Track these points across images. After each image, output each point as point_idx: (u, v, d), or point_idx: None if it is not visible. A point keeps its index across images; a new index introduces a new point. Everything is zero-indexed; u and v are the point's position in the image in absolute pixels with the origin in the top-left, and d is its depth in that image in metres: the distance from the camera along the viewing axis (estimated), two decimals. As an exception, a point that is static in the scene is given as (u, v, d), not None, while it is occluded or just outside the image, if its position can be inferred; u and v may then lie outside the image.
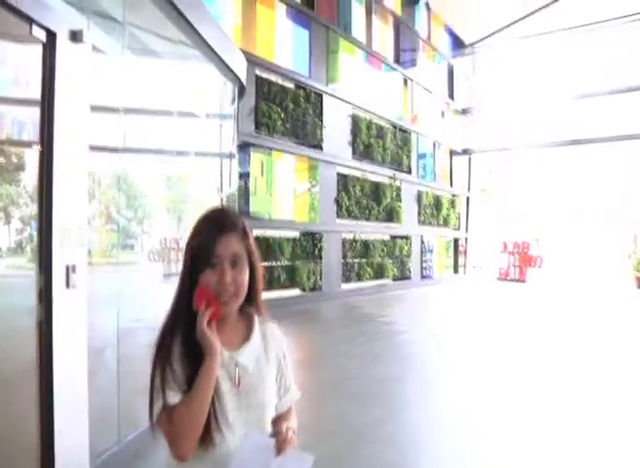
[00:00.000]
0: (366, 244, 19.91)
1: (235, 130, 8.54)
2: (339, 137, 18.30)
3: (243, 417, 1.52)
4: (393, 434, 5.09)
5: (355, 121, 19.40)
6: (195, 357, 1.49)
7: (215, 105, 7.54)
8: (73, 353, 3.60)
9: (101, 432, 4.07)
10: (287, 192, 16.48)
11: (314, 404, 6.19)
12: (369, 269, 19.89)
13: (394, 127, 22.21)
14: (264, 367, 1.61)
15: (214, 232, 1.53)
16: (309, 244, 16.81)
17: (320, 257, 17.08)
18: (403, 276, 22.26)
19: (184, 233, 5.84)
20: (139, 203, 5.27)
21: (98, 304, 4.11)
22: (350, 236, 19.09)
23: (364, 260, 19.70)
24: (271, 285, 14.99)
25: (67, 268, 3.52)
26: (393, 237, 21.91)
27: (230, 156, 8.14)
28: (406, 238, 22.60)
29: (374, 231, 20.48)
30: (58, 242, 3.44)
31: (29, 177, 3.41)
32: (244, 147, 13.91)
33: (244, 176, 14.17)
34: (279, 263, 15.51)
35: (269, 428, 1.60)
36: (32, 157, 3.39)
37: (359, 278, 19.38)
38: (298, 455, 1.49)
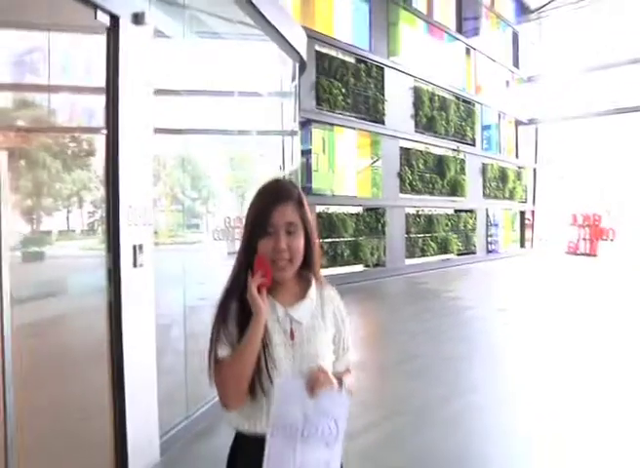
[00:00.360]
0: (430, 218, 19.65)
1: (296, 107, 8.48)
2: (401, 111, 17.98)
3: (297, 368, 1.59)
4: (460, 415, 5.02)
5: (417, 93, 19.01)
6: (248, 318, 1.58)
7: (276, 83, 7.52)
8: (142, 331, 3.72)
9: (170, 408, 4.19)
10: (349, 168, 16.32)
11: (379, 382, 6.19)
12: (433, 244, 19.65)
13: (457, 98, 21.68)
14: (319, 323, 1.67)
15: (269, 202, 1.61)
16: (372, 219, 16.68)
17: (383, 233, 16.93)
18: (468, 251, 21.87)
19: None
20: (203, 183, 5.36)
21: (165, 283, 4.18)
22: (414, 211, 18.87)
23: (428, 235, 19.52)
24: (335, 261, 15.02)
25: (135, 248, 3.60)
26: (457, 211, 21.55)
27: (292, 134, 8.13)
28: (471, 212, 22.17)
29: (437, 205, 20.14)
30: (125, 222, 3.53)
31: (99, 162, 3.54)
32: (305, 124, 13.85)
33: (306, 154, 14.07)
34: (342, 239, 15.45)
35: None
36: (101, 143, 3.51)
37: (423, 253, 19.19)
38: (332, 395, 1.54)
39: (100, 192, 3.57)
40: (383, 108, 17.17)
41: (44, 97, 3.18)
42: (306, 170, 14.19)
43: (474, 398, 5.47)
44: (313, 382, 1.52)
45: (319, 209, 14.77)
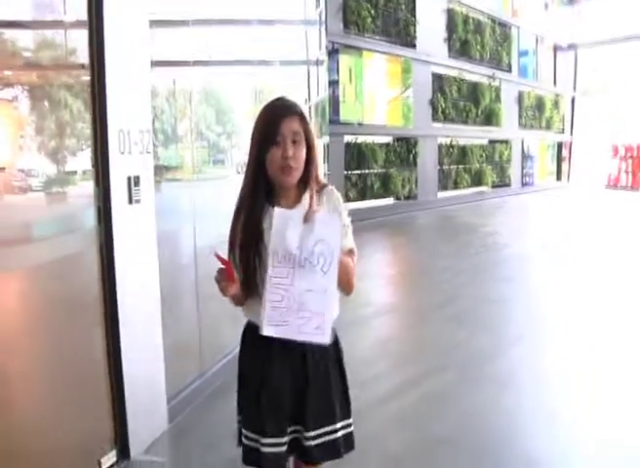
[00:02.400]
0: (463, 149, 18.78)
1: (322, 35, 8.03)
2: (433, 34, 16.85)
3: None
4: (509, 370, 4.42)
5: (451, 15, 17.81)
6: (253, 229, 1.80)
7: (299, 8, 6.99)
8: (141, 276, 3.13)
9: (180, 365, 3.64)
10: (378, 96, 15.44)
11: (415, 330, 5.60)
12: (466, 176, 18.88)
13: (493, 21, 20.26)
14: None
15: (278, 114, 1.78)
16: (403, 150, 15.99)
17: (415, 164, 16.25)
18: (502, 183, 20.99)
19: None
20: (227, 117, 5.31)
21: (186, 221, 3.87)
22: (447, 141, 18.02)
23: (461, 167, 18.72)
24: (364, 193, 14.54)
25: (129, 180, 3.01)
26: (492, 141, 20.55)
27: (318, 63, 7.82)
28: (506, 142, 21.14)
29: (471, 135, 19.19)
30: (115, 150, 2.89)
31: None
32: (332, 54, 13.16)
33: (332, 84, 13.44)
34: (372, 171, 14.87)
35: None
36: None
37: (456, 185, 18.47)
38: (323, 217, 1.70)
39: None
40: (415, 31, 16.07)
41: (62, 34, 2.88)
42: (333, 101, 13.54)
43: (523, 349, 4.85)
44: (308, 211, 1.72)
45: (347, 138, 14.21)
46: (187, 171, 4.11)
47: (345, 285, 1.78)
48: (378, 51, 15.00)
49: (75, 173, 2.99)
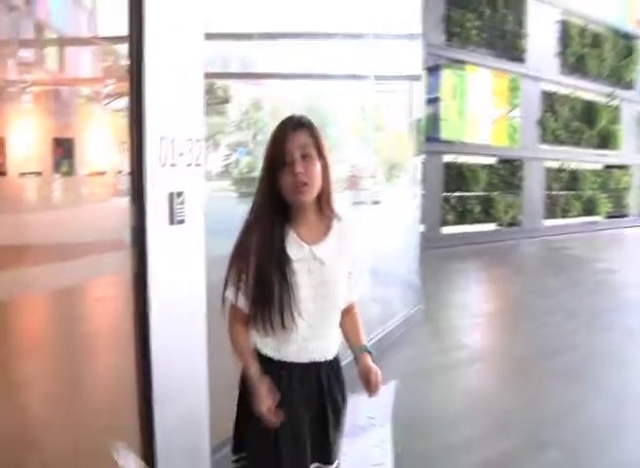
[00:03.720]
0: (574, 174, 17.44)
1: (420, 48, 7.57)
2: (544, 48, 15.72)
3: (317, 307, 1.72)
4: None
5: (565, 27, 16.54)
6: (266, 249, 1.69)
7: (401, 23, 6.90)
8: (182, 310, 2.62)
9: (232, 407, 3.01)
10: (482, 112, 14.63)
11: (514, 387, 4.60)
12: (577, 204, 17.51)
13: (614, 33, 18.59)
14: (339, 261, 1.74)
15: (283, 132, 1.71)
16: (507, 172, 15.17)
17: (520, 188, 15.37)
18: (618, 213, 19.16)
19: (372, 161, 6.36)
20: (328, 132, 5.19)
21: None
22: (556, 164, 16.78)
23: (571, 193, 17.40)
24: (463, 217, 14.01)
25: (172, 197, 2.52)
26: (608, 167, 18.89)
27: (416, 78, 7.47)
28: (624, 168, 19.32)
29: (584, 159, 17.68)
30: (154, 160, 2.45)
31: (235, 110, 3.88)
32: (434, 70, 12.76)
33: (433, 102, 13.01)
34: (472, 194, 14.27)
35: (337, 317, 1.79)
36: (238, 90, 3.88)
37: (565, 214, 17.17)
38: (384, 389, 1.75)
39: (235, 137, 3.85)
40: (524, 44, 15.02)
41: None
42: (434, 118, 13.04)
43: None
44: (374, 387, 1.72)
45: (447, 158, 13.63)
46: None
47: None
48: (483, 65, 14.20)
49: None
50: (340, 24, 5.17)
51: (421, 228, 11.33)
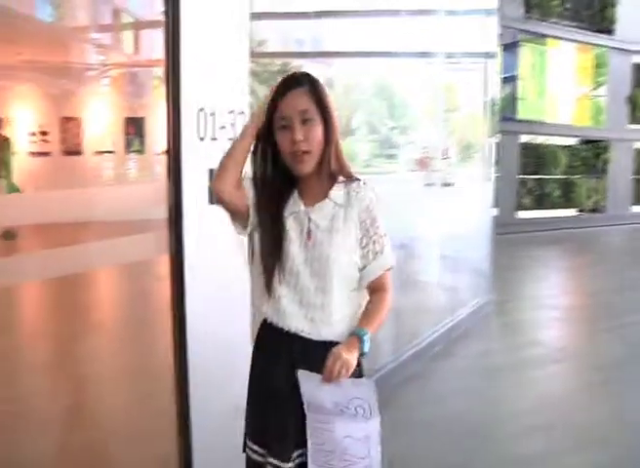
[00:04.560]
0: (667, 156, 16.45)
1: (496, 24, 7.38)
2: (637, 17, 14.41)
3: (308, 269, 1.58)
4: None
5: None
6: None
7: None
8: (224, 299, 2.48)
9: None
10: (564, 90, 13.90)
11: (598, 397, 4.03)
12: (669, 189, 16.54)
13: None
14: (339, 226, 1.60)
15: (278, 93, 1.55)
16: (591, 154, 14.50)
17: (604, 171, 14.62)
18: None
19: (445, 142, 6.20)
20: (401, 112, 5.35)
21: None
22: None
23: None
24: (541, 201, 13.50)
25: (212, 174, 2.19)
26: None
27: (493, 56, 7.31)
28: None
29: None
30: (192, 134, 2.31)
31: None
32: (511, 47, 12.26)
33: (509, 80, 12.54)
34: (552, 177, 13.70)
35: (342, 292, 1.60)
36: (310, 69, 3.18)
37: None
38: (354, 382, 1.50)
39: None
40: (613, 14, 14.06)
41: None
42: (510, 98, 12.61)
43: None
44: (329, 375, 1.46)
45: (524, 138, 13.14)
46: (357, 164, 4.16)
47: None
48: (565, 39, 13.45)
49: None
50: (411, 0, 5.03)
51: (495, 212, 10.87)
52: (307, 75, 1.60)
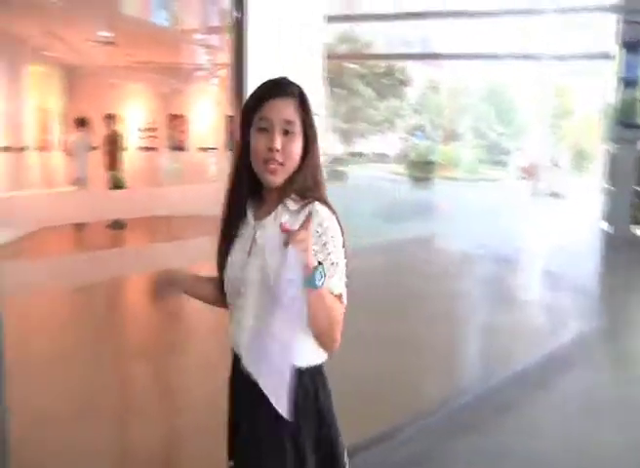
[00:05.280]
0: None
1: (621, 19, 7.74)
2: None
3: (253, 292, 1.44)
4: None
5: None
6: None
7: None
8: None
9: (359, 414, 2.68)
10: None
11: None
12: None
13: None
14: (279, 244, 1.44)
15: (264, 94, 1.46)
16: None
17: None
18: None
19: (555, 149, 6.15)
20: (511, 117, 4.84)
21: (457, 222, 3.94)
22: None
23: None
24: None
25: None
26: None
27: (611, 57, 7.76)
28: None
29: None
30: None
31: (414, 92, 4.65)
32: (634, 46, 10.85)
33: (632, 83, 11.21)
34: None
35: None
36: (416, 71, 5.00)
37: None
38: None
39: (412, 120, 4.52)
40: None
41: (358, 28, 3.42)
42: (631, 102, 11.30)
43: None
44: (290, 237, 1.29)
45: None
46: (461, 170, 3.89)
47: (323, 332, 1.37)
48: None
49: (360, 154, 2.89)
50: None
51: (606, 227, 10.10)
52: (298, 87, 1.51)
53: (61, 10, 6.61)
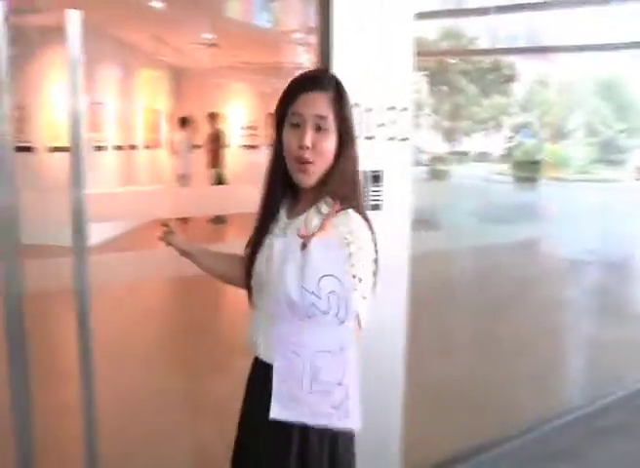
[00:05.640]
0: None
1: None
2: None
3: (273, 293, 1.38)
4: None
5: None
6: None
7: None
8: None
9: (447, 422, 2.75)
10: None
11: None
12: None
13: None
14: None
15: (297, 87, 1.38)
16: None
17: None
18: None
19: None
20: (630, 112, 5.12)
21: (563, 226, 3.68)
22: None
23: None
24: None
25: (364, 175, 2.22)
26: None
27: None
28: None
29: None
30: None
31: (519, 88, 3.94)
32: None
33: None
34: None
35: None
36: (524, 66, 3.99)
37: None
38: (322, 241, 1.19)
39: (519, 118, 4.01)
40: None
41: (464, 22, 3.28)
42: None
43: None
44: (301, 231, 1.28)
45: None
46: (570, 170, 4.05)
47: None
48: None
49: (463, 153, 3.08)
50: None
51: None
52: (335, 78, 1.42)
53: (166, 15, 6.88)
